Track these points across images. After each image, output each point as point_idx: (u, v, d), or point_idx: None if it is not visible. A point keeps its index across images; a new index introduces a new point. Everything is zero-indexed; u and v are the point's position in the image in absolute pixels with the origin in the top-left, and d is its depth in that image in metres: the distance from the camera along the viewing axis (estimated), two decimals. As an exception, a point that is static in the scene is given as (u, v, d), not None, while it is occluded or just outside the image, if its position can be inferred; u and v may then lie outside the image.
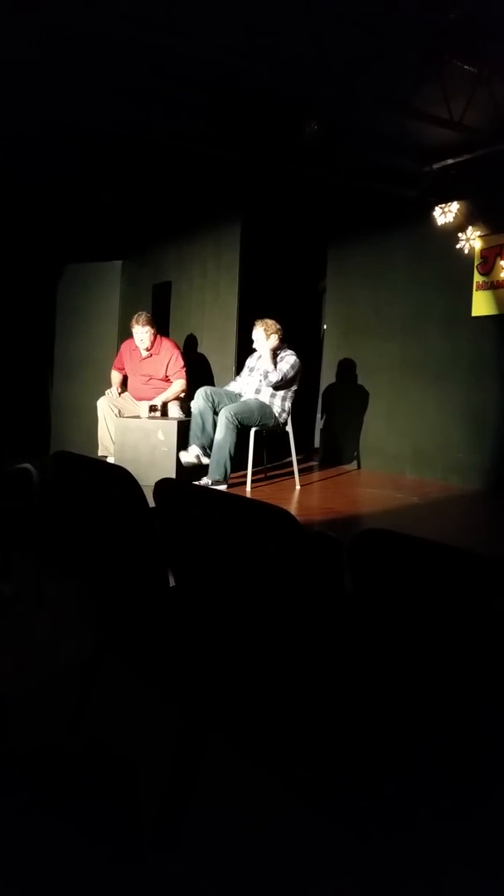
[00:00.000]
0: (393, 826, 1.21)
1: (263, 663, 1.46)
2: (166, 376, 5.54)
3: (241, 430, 4.78)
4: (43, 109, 4.45)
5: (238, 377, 5.29)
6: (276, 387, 4.99)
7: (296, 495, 5.01)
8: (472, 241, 5.45)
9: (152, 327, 5.50)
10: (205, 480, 4.74)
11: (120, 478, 1.74)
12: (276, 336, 5.07)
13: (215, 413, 4.85)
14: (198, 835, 1.54)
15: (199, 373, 6.01)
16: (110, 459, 5.13)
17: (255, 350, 5.20)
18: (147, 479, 1.77)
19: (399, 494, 5.13)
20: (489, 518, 4.84)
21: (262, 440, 5.10)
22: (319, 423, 6.95)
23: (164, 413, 5.42)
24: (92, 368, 6.82)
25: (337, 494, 5.28)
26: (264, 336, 5.07)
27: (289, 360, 5.04)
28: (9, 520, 3.50)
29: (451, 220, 5.54)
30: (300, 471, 5.29)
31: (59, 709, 2.00)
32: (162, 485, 1.64)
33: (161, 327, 6.08)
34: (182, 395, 5.46)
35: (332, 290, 6.78)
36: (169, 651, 1.78)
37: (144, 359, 5.56)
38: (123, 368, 5.72)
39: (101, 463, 3.44)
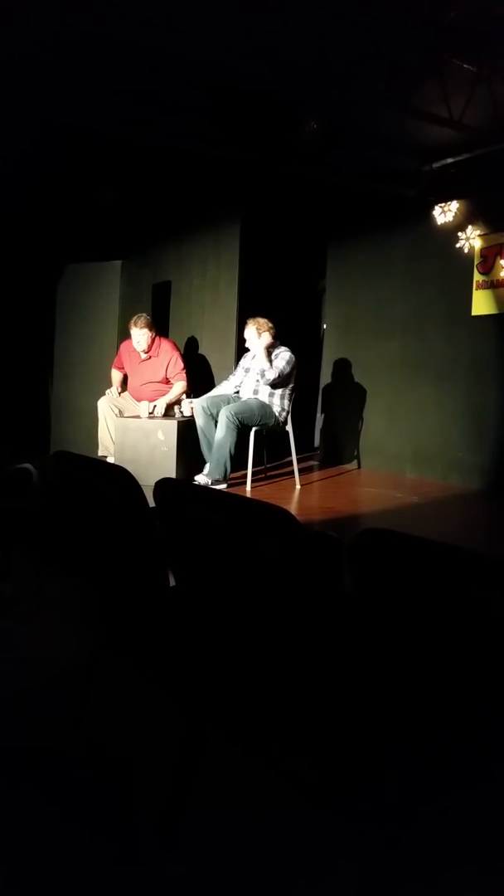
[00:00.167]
0: (393, 826, 1.20)
1: (264, 663, 1.46)
2: (166, 378, 5.53)
3: (241, 430, 4.78)
4: (43, 109, 4.44)
5: (231, 376, 5.28)
6: (274, 384, 4.99)
7: (296, 495, 5.01)
8: (471, 240, 5.44)
9: (150, 330, 5.48)
10: (204, 480, 4.75)
11: (120, 478, 1.74)
12: (269, 334, 5.08)
13: (216, 423, 4.86)
14: (198, 835, 1.54)
15: (198, 373, 6.01)
16: (110, 459, 5.13)
17: (247, 349, 5.20)
18: (147, 478, 1.77)
19: (399, 494, 5.13)
20: (489, 517, 4.84)
21: (262, 440, 5.10)
22: (319, 423, 6.95)
23: (166, 413, 5.41)
24: (92, 368, 6.82)
25: (337, 494, 5.28)
26: (256, 334, 5.07)
27: (283, 356, 5.04)
28: (9, 520, 3.50)
29: (451, 219, 5.54)
30: (300, 470, 5.29)
31: (59, 709, 2.00)
32: (162, 485, 1.64)
33: (161, 327, 6.07)
34: (183, 396, 5.45)
35: (332, 290, 6.78)
36: (169, 651, 1.78)
37: (143, 361, 5.56)
38: (123, 367, 5.71)
39: (101, 463, 3.44)
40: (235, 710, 1.57)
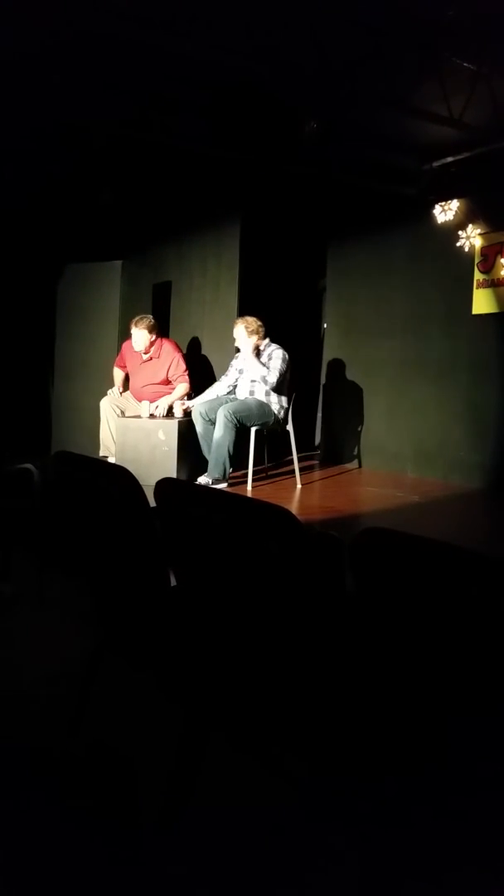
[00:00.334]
0: (393, 826, 1.20)
1: (265, 663, 1.46)
2: (167, 380, 5.53)
3: (239, 429, 4.78)
4: (43, 109, 4.44)
5: (224, 377, 5.27)
6: (278, 385, 4.98)
7: (297, 494, 5.01)
8: (472, 238, 5.44)
9: (151, 333, 5.46)
10: (204, 479, 4.75)
11: (121, 477, 1.73)
12: (258, 333, 5.08)
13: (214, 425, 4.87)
14: (198, 835, 1.54)
15: (199, 373, 6.01)
16: (111, 460, 5.12)
17: (238, 350, 5.20)
18: (148, 478, 1.77)
19: (400, 493, 5.13)
20: (490, 517, 4.84)
21: (262, 439, 5.10)
22: (320, 422, 6.95)
23: (168, 413, 5.39)
24: (92, 368, 6.82)
25: (338, 493, 5.27)
26: (245, 333, 5.07)
27: (277, 354, 5.03)
28: (10, 520, 3.50)
29: (452, 218, 5.53)
30: (301, 470, 5.28)
31: (60, 709, 2.00)
32: (163, 484, 1.63)
33: (161, 327, 6.07)
34: (185, 398, 5.44)
35: (332, 289, 6.78)
36: (170, 651, 1.78)
37: (144, 361, 5.55)
38: (125, 366, 5.71)
39: (102, 463, 3.44)
40: (236, 709, 1.56)
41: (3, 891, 1.42)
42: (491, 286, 5.36)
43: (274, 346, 5.10)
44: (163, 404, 5.31)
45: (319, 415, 6.97)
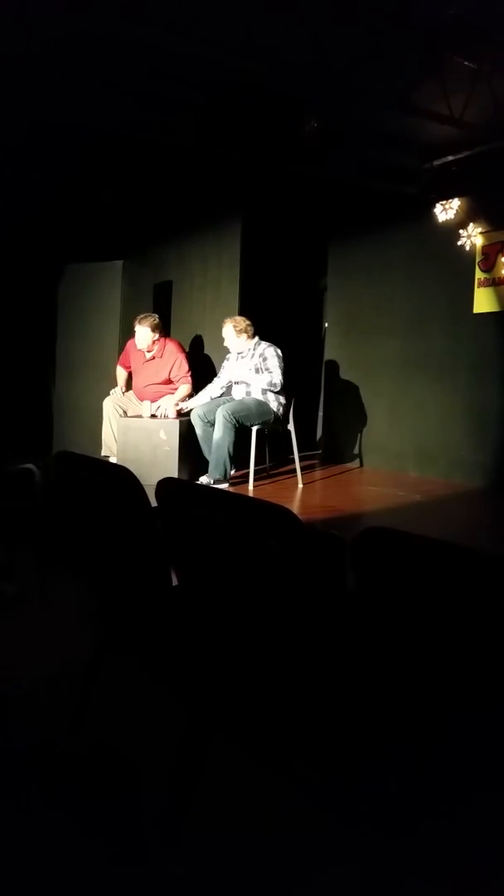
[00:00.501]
0: (395, 825, 1.20)
1: (266, 662, 1.46)
2: (168, 379, 5.52)
3: (239, 429, 4.78)
4: (44, 110, 4.45)
5: (216, 379, 5.26)
6: (281, 385, 4.96)
7: (298, 494, 5.01)
8: (473, 237, 5.44)
9: (154, 331, 5.46)
10: (205, 480, 4.75)
11: (122, 477, 1.73)
12: (246, 333, 5.08)
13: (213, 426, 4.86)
14: (200, 834, 1.54)
15: (201, 372, 6.01)
16: (113, 460, 5.13)
17: (228, 350, 5.20)
18: (149, 478, 1.77)
19: (401, 492, 5.13)
20: (492, 515, 4.84)
21: (263, 439, 5.10)
22: (321, 422, 6.94)
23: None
24: (93, 368, 6.82)
25: (339, 493, 5.27)
26: (234, 333, 5.07)
27: (270, 352, 5.03)
28: (12, 520, 3.50)
29: (452, 216, 5.53)
30: (302, 469, 5.28)
31: (61, 708, 2.00)
32: (164, 484, 1.63)
33: (163, 327, 6.07)
34: (187, 399, 5.43)
35: (333, 288, 6.77)
36: (171, 650, 1.78)
37: (147, 361, 5.55)
38: (129, 366, 5.70)
39: (103, 463, 3.44)
40: (238, 708, 1.56)
41: (7, 891, 1.42)
42: (492, 285, 5.35)
43: (265, 343, 5.09)
44: (164, 404, 5.31)
45: (321, 414, 6.97)
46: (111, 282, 7.07)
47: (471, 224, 5.45)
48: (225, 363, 5.25)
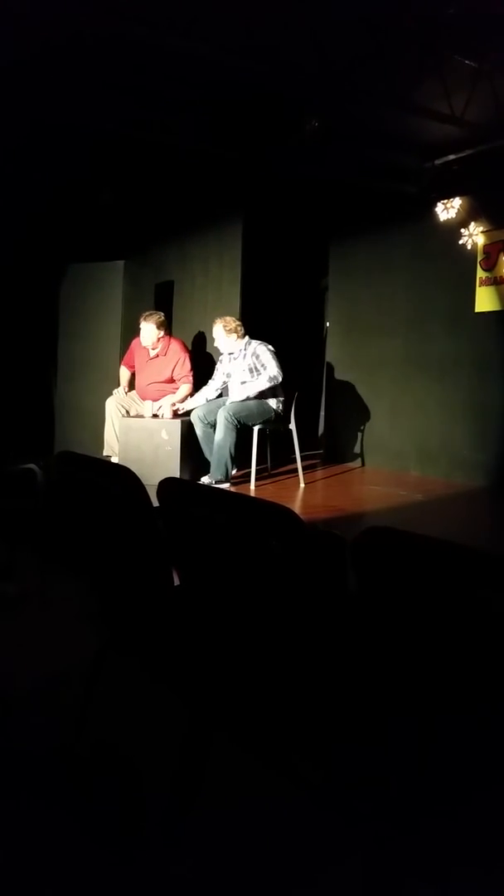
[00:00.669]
0: (396, 824, 1.20)
1: (267, 662, 1.46)
2: (171, 378, 5.53)
3: (241, 430, 4.78)
4: (44, 110, 4.45)
5: (210, 381, 5.26)
6: (280, 375, 4.94)
7: (300, 493, 5.01)
8: (474, 236, 5.43)
9: (160, 329, 5.47)
10: (207, 480, 4.75)
11: (123, 477, 1.74)
12: (236, 332, 5.08)
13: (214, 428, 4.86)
14: (202, 835, 1.54)
15: (202, 372, 6.01)
16: (115, 459, 5.13)
17: (220, 352, 5.20)
18: (151, 478, 1.77)
19: (403, 492, 5.12)
20: (493, 515, 4.83)
21: (265, 438, 5.09)
22: (323, 421, 6.94)
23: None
24: (95, 368, 6.83)
25: (341, 492, 5.27)
26: (224, 333, 5.08)
27: (262, 350, 5.02)
28: (13, 520, 3.51)
29: (454, 216, 5.53)
30: (304, 469, 5.28)
31: (64, 709, 2.00)
32: (166, 484, 1.63)
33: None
34: (188, 399, 5.43)
35: (335, 288, 6.77)
36: (173, 650, 1.78)
37: (152, 359, 5.56)
38: (133, 366, 5.71)
39: (105, 463, 3.44)
40: (240, 708, 1.57)
41: (8, 891, 1.42)
42: (493, 284, 5.35)
43: (255, 342, 5.09)
44: (166, 404, 5.31)
45: (322, 414, 6.96)
46: (112, 282, 7.07)
47: (472, 223, 5.45)
48: (218, 365, 5.26)
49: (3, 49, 3.75)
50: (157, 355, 5.53)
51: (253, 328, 5.28)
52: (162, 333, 5.50)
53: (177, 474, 4.75)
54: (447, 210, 5.54)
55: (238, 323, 5.12)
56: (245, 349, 5.07)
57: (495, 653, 1.03)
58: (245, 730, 1.57)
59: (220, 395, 5.17)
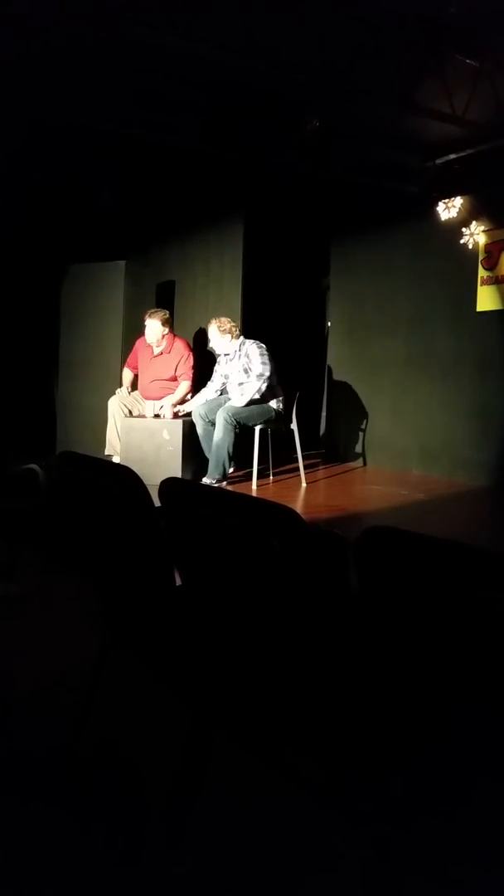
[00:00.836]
0: (397, 823, 1.20)
1: (269, 662, 1.46)
2: (174, 376, 5.53)
3: (240, 430, 4.79)
4: (45, 110, 4.45)
5: (210, 383, 5.25)
6: (268, 371, 4.93)
7: (302, 493, 5.01)
8: (475, 235, 5.43)
9: (164, 326, 5.49)
10: (206, 480, 4.75)
11: (125, 477, 1.74)
12: (231, 333, 5.08)
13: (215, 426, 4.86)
14: (203, 834, 1.54)
15: (204, 372, 6.01)
16: (116, 459, 5.14)
17: (216, 353, 5.19)
18: (153, 478, 1.77)
19: (405, 491, 5.12)
20: (495, 514, 4.83)
21: (266, 438, 5.09)
22: (325, 421, 6.94)
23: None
24: (97, 368, 6.83)
25: (343, 492, 5.27)
26: (218, 333, 5.08)
27: (251, 349, 5.02)
28: (16, 520, 3.51)
29: (455, 215, 5.52)
30: (306, 468, 5.28)
31: (65, 709, 2.00)
32: (167, 484, 1.64)
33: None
34: (187, 398, 5.43)
35: (336, 288, 6.77)
36: (175, 650, 1.78)
37: (156, 356, 5.56)
38: (136, 366, 5.71)
39: (107, 463, 3.44)
40: (241, 708, 1.57)
41: (9, 891, 1.42)
42: (495, 283, 5.35)
43: (248, 342, 5.09)
44: (167, 405, 5.31)
45: (324, 413, 6.96)
46: (114, 282, 7.07)
47: (473, 222, 5.44)
48: (217, 367, 5.27)
49: (3, 49, 3.75)
50: (161, 353, 5.54)
51: (254, 328, 5.29)
52: (166, 330, 5.52)
53: (178, 474, 4.75)
54: (448, 209, 5.54)
55: (233, 324, 5.12)
56: (240, 349, 5.07)
57: (497, 653, 1.02)
58: (246, 730, 1.57)
59: (222, 394, 5.17)
